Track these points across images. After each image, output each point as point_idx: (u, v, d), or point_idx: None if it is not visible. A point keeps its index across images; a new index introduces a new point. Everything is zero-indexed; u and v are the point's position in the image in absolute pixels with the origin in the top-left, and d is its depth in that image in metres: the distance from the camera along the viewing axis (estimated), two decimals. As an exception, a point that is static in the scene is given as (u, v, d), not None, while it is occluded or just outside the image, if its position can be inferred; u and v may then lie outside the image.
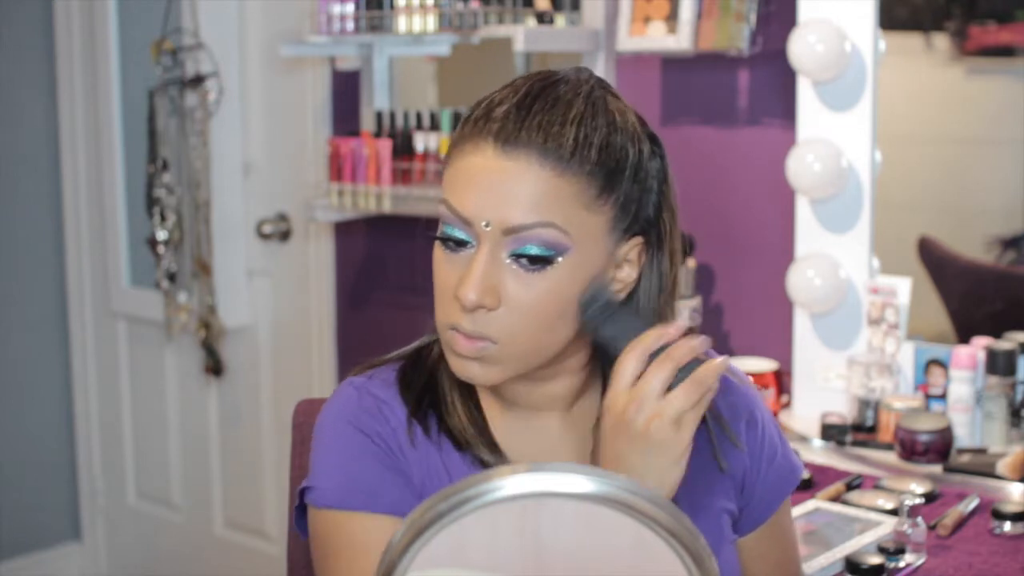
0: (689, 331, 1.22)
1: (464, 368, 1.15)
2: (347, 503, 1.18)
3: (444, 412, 1.22)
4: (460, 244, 1.13)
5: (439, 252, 1.15)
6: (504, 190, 1.10)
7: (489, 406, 1.24)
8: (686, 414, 1.07)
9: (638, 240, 1.17)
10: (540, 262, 1.11)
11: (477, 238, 1.12)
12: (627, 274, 1.17)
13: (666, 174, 1.19)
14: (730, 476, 1.28)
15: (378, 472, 1.19)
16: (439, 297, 1.15)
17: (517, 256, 1.11)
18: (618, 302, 1.15)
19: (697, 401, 1.07)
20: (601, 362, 1.23)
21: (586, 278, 1.13)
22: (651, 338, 1.09)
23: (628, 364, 1.08)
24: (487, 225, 1.10)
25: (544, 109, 1.12)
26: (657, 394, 1.07)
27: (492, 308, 1.11)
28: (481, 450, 1.21)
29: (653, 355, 1.09)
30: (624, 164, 1.14)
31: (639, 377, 1.08)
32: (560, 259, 1.11)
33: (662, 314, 1.20)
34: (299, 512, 1.26)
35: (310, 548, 1.24)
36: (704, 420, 1.22)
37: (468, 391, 1.23)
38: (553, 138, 1.10)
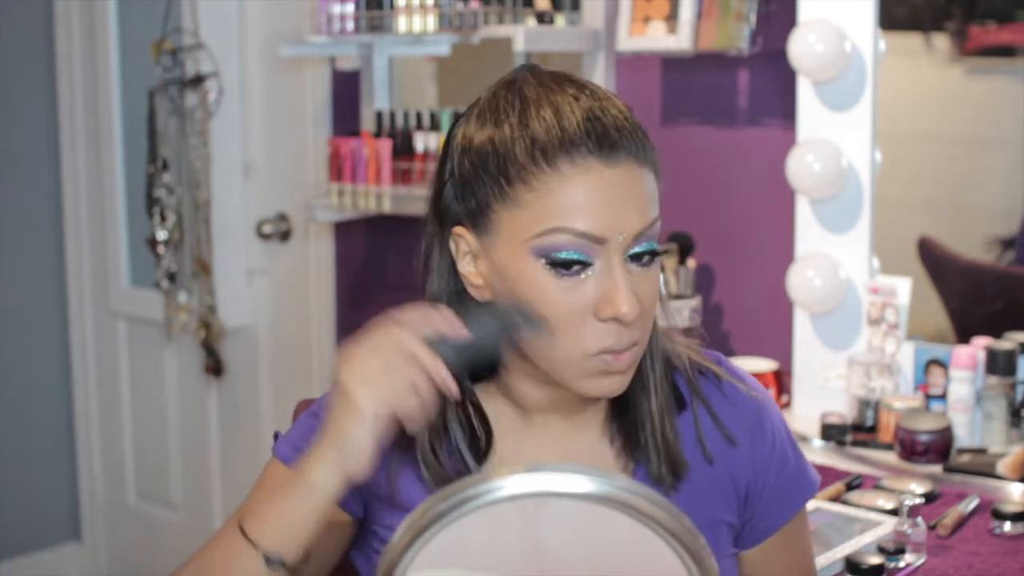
0: (687, 331, 1.22)
1: (616, 383, 1.14)
2: (284, 455, 1.25)
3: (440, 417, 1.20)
4: (581, 266, 1.10)
5: (550, 281, 1.10)
6: (626, 198, 1.10)
7: (498, 411, 1.22)
8: (420, 385, 1.07)
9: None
10: (653, 255, 1.13)
11: (603, 254, 1.10)
12: None
13: None
14: (732, 488, 1.25)
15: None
16: (566, 326, 1.10)
17: (634, 258, 1.12)
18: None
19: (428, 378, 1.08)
20: None
21: None
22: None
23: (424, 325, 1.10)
24: (622, 235, 1.09)
25: (604, 106, 1.12)
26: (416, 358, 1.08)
27: (639, 315, 1.11)
28: (465, 452, 1.20)
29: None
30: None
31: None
32: (659, 247, 1.14)
33: None
34: None
35: None
36: (692, 412, 1.23)
37: (469, 394, 1.21)
38: (632, 131, 1.12)
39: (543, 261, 1.09)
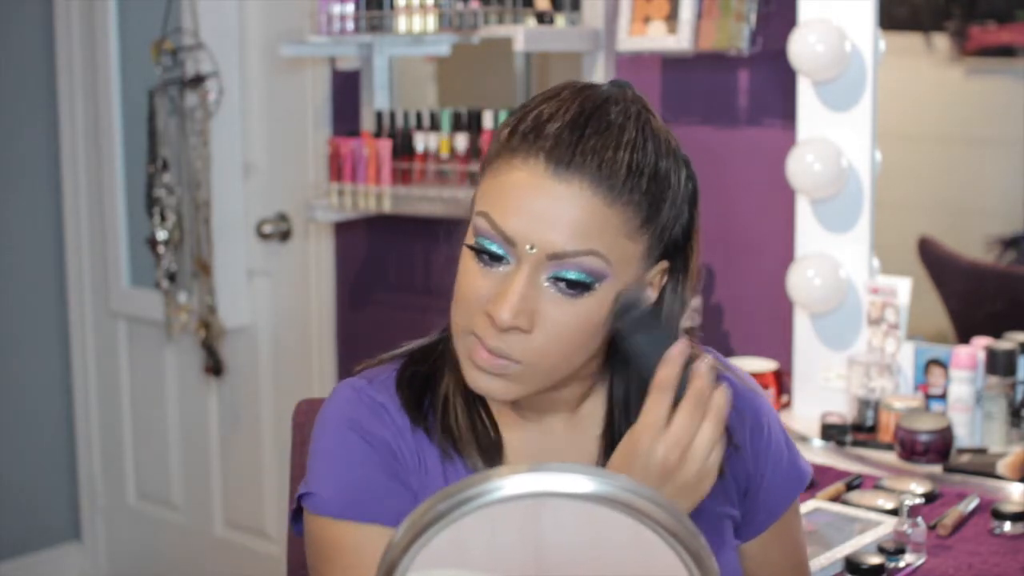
0: (688, 331, 1.22)
1: (482, 382, 1.13)
2: (346, 513, 1.17)
3: (445, 416, 1.21)
4: (495, 259, 1.11)
5: (470, 261, 1.12)
6: (553, 215, 1.08)
7: (497, 409, 1.23)
8: (716, 448, 1.08)
9: (664, 264, 1.17)
10: (579, 287, 1.09)
11: (516, 257, 1.10)
12: (648, 296, 1.16)
13: (696, 197, 1.19)
14: (732, 481, 1.27)
15: (379, 481, 1.18)
16: (462, 302, 1.13)
17: (556, 279, 1.09)
18: (650, 310, 1.14)
19: (721, 432, 1.09)
20: (611, 366, 1.21)
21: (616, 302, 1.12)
22: (670, 375, 1.08)
23: (659, 406, 1.08)
24: (532, 248, 1.08)
25: (598, 132, 1.09)
26: (706, 449, 1.08)
27: (525, 331, 1.10)
28: (475, 457, 1.20)
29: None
30: (667, 192, 1.13)
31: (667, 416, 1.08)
32: (598, 286, 1.10)
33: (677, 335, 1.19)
34: (296, 512, 1.26)
35: (306, 551, 1.23)
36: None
37: (473, 394, 1.21)
38: (607, 164, 1.08)
39: (472, 243, 1.12)
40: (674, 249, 1.17)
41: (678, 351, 1.08)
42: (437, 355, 1.24)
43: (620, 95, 1.14)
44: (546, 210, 1.08)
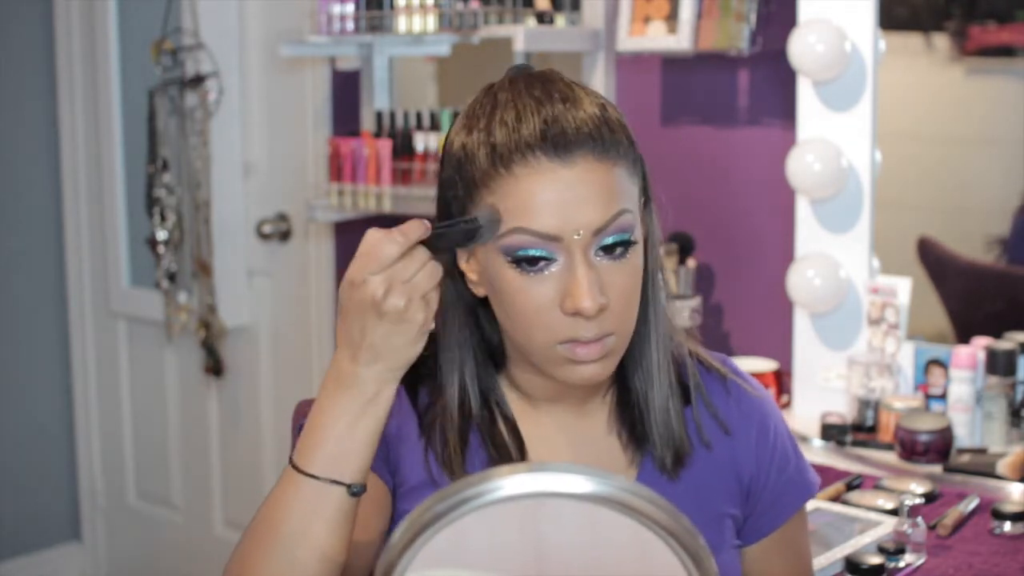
0: (688, 331, 1.24)
1: (589, 371, 1.16)
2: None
3: (435, 433, 1.23)
4: (542, 261, 1.13)
5: (515, 277, 1.14)
6: (579, 196, 1.12)
7: (511, 402, 1.26)
8: (430, 293, 1.08)
9: (642, 197, 1.22)
10: (624, 246, 1.14)
11: (566, 250, 1.13)
12: (641, 232, 1.20)
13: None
14: (736, 481, 1.28)
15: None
16: (533, 319, 1.14)
17: (604, 249, 1.14)
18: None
19: (436, 277, 1.09)
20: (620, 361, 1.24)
21: (642, 245, 1.18)
22: (413, 227, 1.09)
23: (377, 233, 1.08)
24: (579, 234, 1.12)
25: (566, 108, 1.14)
26: (410, 280, 1.07)
27: (606, 307, 1.13)
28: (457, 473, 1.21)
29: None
30: (630, 131, 1.18)
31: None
32: (633, 237, 1.15)
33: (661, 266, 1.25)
34: None
35: None
36: (688, 399, 1.26)
37: (481, 401, 1.24)
38: (595, 130, 1.13)
39: (509, 259, 1.13)
40: (645, 183, 1.22)
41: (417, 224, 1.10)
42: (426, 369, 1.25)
43: (545, 73, 1.19)
44: (571, 196, 1.12)
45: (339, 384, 1.08)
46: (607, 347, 1.15)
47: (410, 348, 1.08)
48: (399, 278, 1.06)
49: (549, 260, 1.13)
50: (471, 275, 1.20)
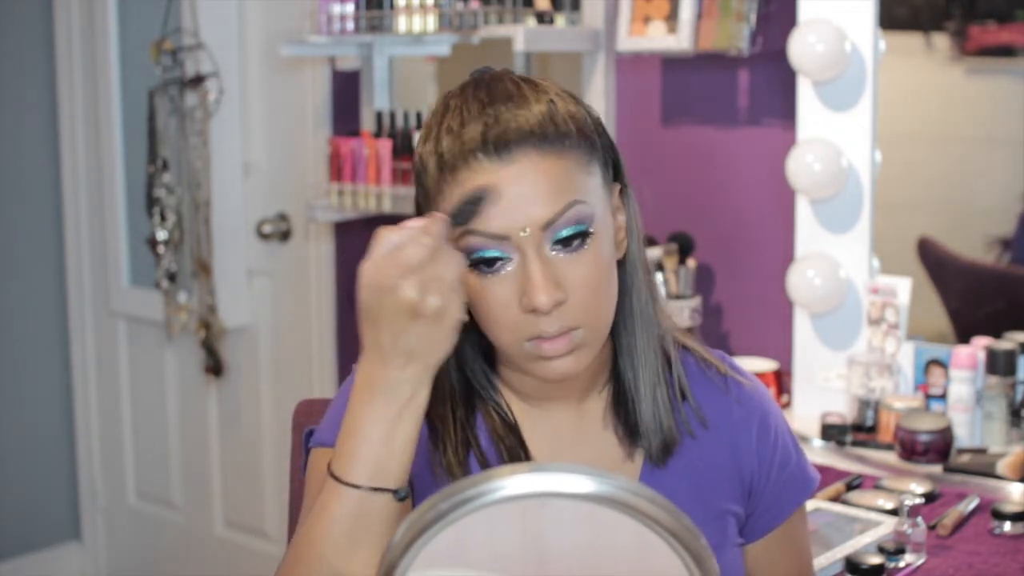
0: (688, 331, 1.24)
1: (559, 366, 1.16)
2: (331, 438, 1.19)
3: (435, 432, 1.23)
4: (496, 262, 1.13)
5: (474, 280, 1.14)
6: (523, 193, 1.12)
7: (509, 403, 1.26)
8: (458, 283, 1.07)
9: (616, 185, 1.22)
10: (580, 238, 1.14)
11: (515, 248, 1.13)
12: (621, 219, 1.21)
13: (600, 122, 1.23)
14: (738, 479, 1.28)
15: None
16: (497, 319, 1.15)
17: (561, 243, 1.13)
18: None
19: (462, 266, 1.09)
20: (615, 360, 1.25)
21: (611, 234, 1.18)
22: (435, 224, 1.07)
23: (394, 235, 1.06)
24: (525, 231, 1.12)
25: (508, 108, 1.14)
26: (441, 276, 1.06)
27: (564, 300, 1.13)
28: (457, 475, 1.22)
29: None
30: (586, 123, 1.18)
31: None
32: (593, 227, 1.14)
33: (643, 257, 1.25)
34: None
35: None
36: (682, 395, 1.26)
37: (485, 390, 1.25)
38: (536, 124, 1.13)
39: (468, 262, 1.13)
40: (615, 170, 1.22)
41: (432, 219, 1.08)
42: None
43: (496, 75, 1.20)
44: (515, 193, 1.12)
45: (372, 391, 1.07)
46: (574, 341, 1.15)
47: (447, 343, 1.07)
48: (431, 276, 1.04)
49: (504, 259, 1.13)
50: None
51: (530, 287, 1.12)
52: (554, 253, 1.13)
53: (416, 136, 2.81)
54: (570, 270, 1.13)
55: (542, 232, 1.12)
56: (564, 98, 1.18)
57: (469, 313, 1.17)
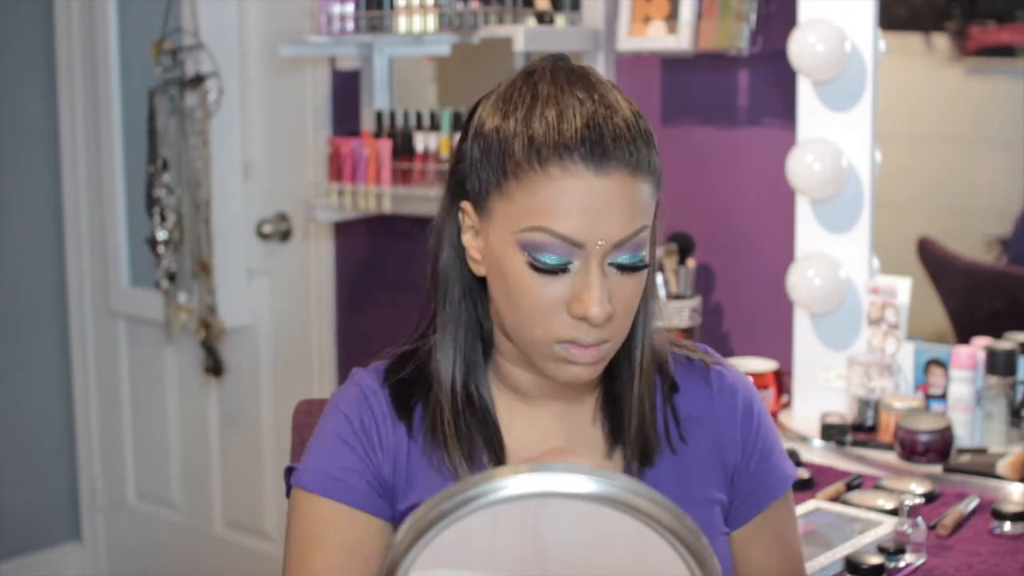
0: (687, 331, 1.25)
1: (580, 372, 1.18)
2: (313, 486, 1.23)
3: (434, 426, 1.24)
4: (561, 267, 1.14)
5: (529, 274, 1.15)
6: (607, 207, 1.12)
7: (499, 398, 1.27)
8: None
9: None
10: (638, 263, 1.16)
11: (584, 257, 1.14)
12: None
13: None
14: (721, 467, 1.30)
15: (350, 462, 1.23)
16: (538, 315, 1.15)
17: (619, 266, 1.15)
18: None
19: None
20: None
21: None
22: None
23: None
24: (600, 244, 1.13)
25: (608, 116, 1.14)
26: None
27: (613, 317, 1.15)
28: (461, 466, 1.22)
29: None
30: (654, 140, 1.18)
31: None
32: (644, 253, 1.16)
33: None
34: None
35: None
36: (673, 411, 1.28)
37: (467, 398, 1.24)
38: (631, 143, 1.13)
39: (526, 256, 1.14)
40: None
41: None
42: (418, 362, 1.27)
43: (584, 72, 1.19)
44: (600, 205, 1.12)
45: None
46: (602, 352, 1.17)
47: None
48: None
49: (565, 266, 1.14)
50: (474, 252, 1.21)
51: (589, 298, 1.13)
52: (610, 269, 1.15)
53: (416, 136, 2.82)
54: (619, 289, 1.15)
55: (612, 249, 1.13)
56: (640, 113, 1.18)
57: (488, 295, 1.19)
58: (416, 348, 1.29)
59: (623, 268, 1.15)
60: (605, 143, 1.12)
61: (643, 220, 1.14)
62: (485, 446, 1.23)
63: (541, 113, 1.14)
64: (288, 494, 1.28)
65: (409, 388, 1.26)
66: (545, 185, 1.12)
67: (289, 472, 1.28)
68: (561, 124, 1.13)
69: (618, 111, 1.14)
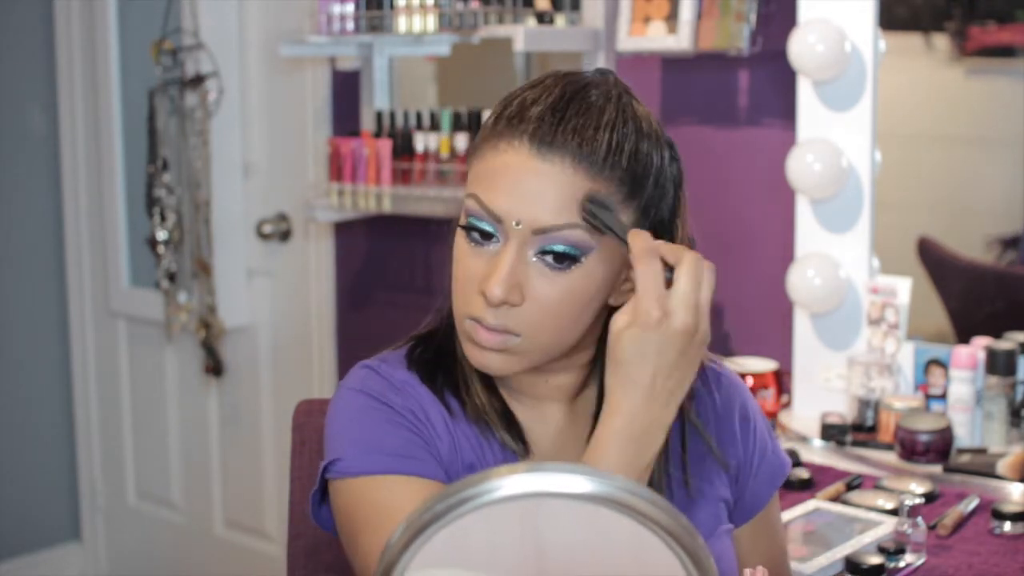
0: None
1: (483, 358, 1.17)
2: (372, 467, 1.18)
3: (464, 394, 1.24)
4: (486, 237, 1.15)
5: (462, 243, 1.16)
6: (537, 191, 1.12)
7: (504, 394, 1.27)
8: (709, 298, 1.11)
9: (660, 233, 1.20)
10: (566, 260, 1.14)
11: (505, 234, 1.14)
12: (604, 260, 1.19)
13: (681, 179, 1.23)
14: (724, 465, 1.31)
15: (404, 437, 1.20)
16: (460, 286, 1.17)
17: (544, 253, 1.13)
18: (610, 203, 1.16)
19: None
20: (604, 358, 1.24)
21: (606, 277, 1.16)
22: (646, 242, 1.10)
23: (651, 275, 1.09)
24: (518, 224, 1.12)
25: (579, 113, 1.14)
26: (708, 301, 1.10)
27: (516, 304, 1.14)
28: (503, 433, 1.23)
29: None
30: (649, 170, 1.17)
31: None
32: (584, 259, 1.14)
33: None
34: (316, 502, 1.26)
35: (337, 526, 1.22)
36: (693, 422, 1.26)
37: (486, 376, 1.24)
38: (587, 143, 1.13)
39: (463, 223, 1.17)
40: (662, 229, 1.20)
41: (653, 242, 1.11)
42: (441, 338, 1.26)
43: (602, 81, 1.19)
44: (531, 188, 1.12)
45: (636, 442, 1.09)
46: (507, 344, 1.15)
47: (694, 373, 1.12)
48: (699, 300, 1.09)
49: (492, 239, 1.14)
50: None
51: (492, 275, 1.13)
52: (535, 260, 1.14)
53: (416, 136, 2.82)
54: (540, 283, 1.14)
55: (532, 235, 1.13)
56: (648, 137, 1.17)
57: None
58: (437, 328, 1.28)
59: (553, 259, 1.13)
60: (559, 130, 1.12)
61: (579, 218, 1.12)
62: (506, 430, 1.23)
63: (522, 97, 1.16)
64: (323, 492, 1.24)
65: (433, 371, 1.25)
66: (491, 156, 1.15)
67: (324, 469, 1.22)
68: (531, 107, 1.14)
69: (599, 115, 1.14)
